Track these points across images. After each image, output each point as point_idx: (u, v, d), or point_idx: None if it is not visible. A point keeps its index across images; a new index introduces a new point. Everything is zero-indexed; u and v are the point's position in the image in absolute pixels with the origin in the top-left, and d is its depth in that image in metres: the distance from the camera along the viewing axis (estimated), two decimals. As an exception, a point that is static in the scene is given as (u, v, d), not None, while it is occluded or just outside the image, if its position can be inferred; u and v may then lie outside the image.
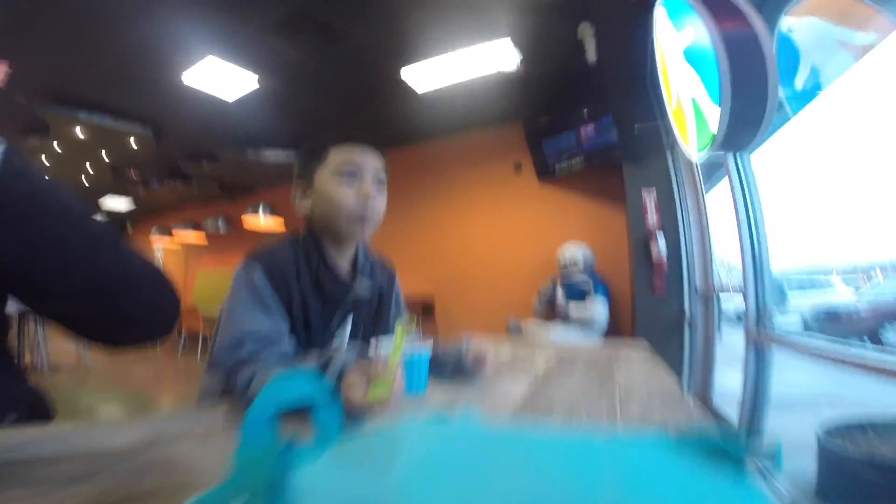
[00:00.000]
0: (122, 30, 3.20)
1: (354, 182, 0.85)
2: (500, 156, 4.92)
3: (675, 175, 3.25)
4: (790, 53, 1.87)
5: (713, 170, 3.12)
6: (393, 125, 4.99)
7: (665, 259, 3.21)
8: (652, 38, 2.22)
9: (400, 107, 4.36)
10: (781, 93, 1.48)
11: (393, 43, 3.34)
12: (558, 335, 3.60)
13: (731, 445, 0.43)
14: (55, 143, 5.28)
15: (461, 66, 3.56)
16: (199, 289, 8.31)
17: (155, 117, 4.81)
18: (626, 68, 3.17)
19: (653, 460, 0.44)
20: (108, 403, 3.56)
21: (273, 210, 6.37)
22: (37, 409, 0.67)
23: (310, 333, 0.82)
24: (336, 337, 0.88)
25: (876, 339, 5.76)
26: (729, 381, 2.84)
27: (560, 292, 3.80)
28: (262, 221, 6.38)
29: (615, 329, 3.82)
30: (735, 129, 1.39)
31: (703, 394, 2.87)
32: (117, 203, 9.72)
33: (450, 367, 0.88)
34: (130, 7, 2.95)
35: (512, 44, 3.25)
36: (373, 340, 0.81)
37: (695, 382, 3.01)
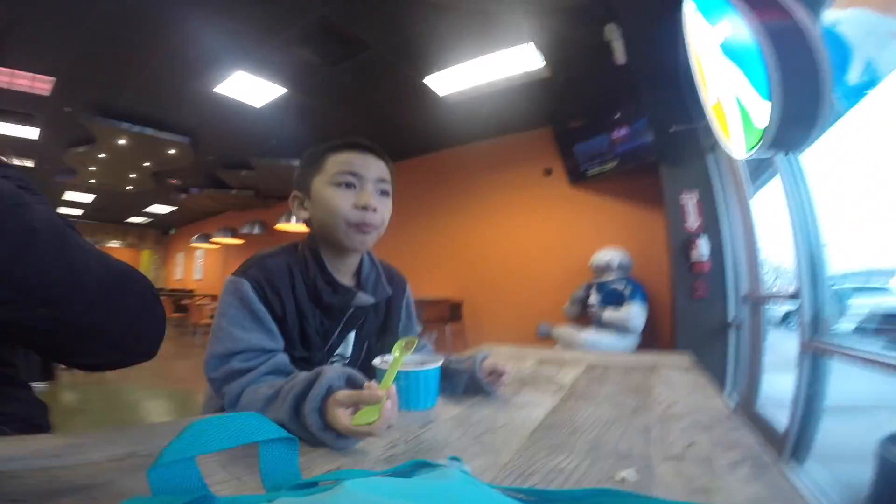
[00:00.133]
0: (159, 45, 3.34)
1: (353, 190, 0.79)
2: (530, 160, 4.82)
3: (717, 177, 3.09)
4: (839, 47, 1.73)
5: (758, 170, 2.94)
6: (420, 132, 4.99)
7: (708, 262, 3.04)
8: (683, 36, 2.10)
9: (426, 114, 4.35)
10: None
11: (417, 51, 3.32)
12: (591, 340, 3.47)
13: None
14: (100, 153, 5.57)
15: (485, 72, 3.51)
16: None
17: (192, 128, 5.02)
18: (657, 68, 3.05)
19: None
20: (151, 400, 3.68)
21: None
22: (31, 423, 0.65)
23: (308, 346, 0.77)
24: (336, 352, 0.83)
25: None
26: (772, 386, 2.65)
27: (594, 296, 3.66)
28: (293, 226, 6.53)
29: (653, 334, 3.65)
30: (787, 127, 1.27)
31: (749, 401, 2.69)
32: (160, 209, 10.23)
33: (463, 382, 0.82)
34: (167, 25, 3.07)
35: (535, 48, 3.18)
36: (377, 359, 0.76)
37: (740, 389, 2.83)
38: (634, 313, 3.41)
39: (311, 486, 0.37)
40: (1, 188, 0.37)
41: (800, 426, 1.99)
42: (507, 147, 5.03)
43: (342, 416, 0.53)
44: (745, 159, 1.83)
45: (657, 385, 0.92)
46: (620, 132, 3.90)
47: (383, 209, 0.81)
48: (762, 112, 1.31)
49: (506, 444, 0.59)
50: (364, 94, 4.05)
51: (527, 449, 0.57)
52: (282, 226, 6.74)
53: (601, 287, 3.71)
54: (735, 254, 3.02)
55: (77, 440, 0.53)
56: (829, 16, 1.66)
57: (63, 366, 0.57)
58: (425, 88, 3.78)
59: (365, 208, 0.77)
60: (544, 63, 3.33)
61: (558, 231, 4.62)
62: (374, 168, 0.81)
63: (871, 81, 1.75)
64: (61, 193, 8.87)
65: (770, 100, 1.27)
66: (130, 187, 7.46)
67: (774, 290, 3.00)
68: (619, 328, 3.46)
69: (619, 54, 2.99)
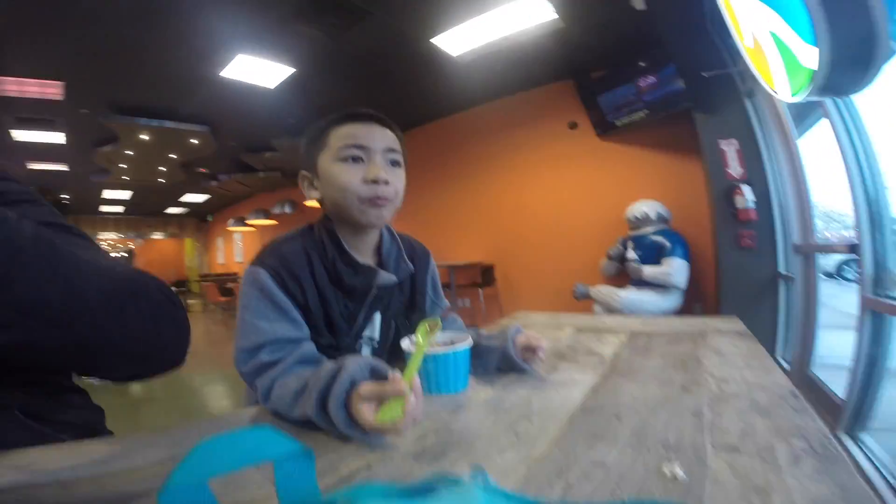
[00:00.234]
0: (159, 38, 3.34)
1: (361, 164, 0.73)
2: (553, 115, 4.62)
3: (757, 122, 2.88)
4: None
5: (801, 113, 2.70)
6: (435, 95, 4.85)
7: (753, 210, 2.85)
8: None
9: (440, 76, 4.20)
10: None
11: (420, 12, 3.17)
12: (631, 299, 3.36)
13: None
14: (126, 150, 5.72)
15: (496, 28, 3.33)
16: None
17: (209, 116, 5.07)
18: (681, 13, 2.86)
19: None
20: (210, 384, 3.87)
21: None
22: (88, 429, 0.66)
23: (334, 332, 0.74)
24: (364, 334, 0.79)
25: None
26: (825, 345, 2.50)
27: (632, 253, 3.52)
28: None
29: (696, 290, 3.51)
30: (838, 72, 1.10)
31: (803, 363, 2.55)
32: (195, 198, 10.55)
33: (495, 359, 0.77)
34: (163, 17, 3.05)
35: None
36: (404, 340, 0.72)
37: (792, 348, 2.68)
38: (677, 268, 3.26)
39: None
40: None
41: (860, 392, 1.85)
42: (528, 103, 4.83)
43: (366, 412, 0.51)
44: (793, 102, 1.64)
45: (708, 356, 0.84)
46: (648, 80, 3.71)
47: (395, 180, 0.75)
48: (807, 54, 1.15)
49: (542, 432, 0.55)
50: (372, 63, 3.95)
51: (564, 438, 0.53)
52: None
53: (639, 241, 3.56)
54: (782, 201, 2.81)
55: (121, 446, 0.54)
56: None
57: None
58: (435, 50, 3.63)
59: (375, 181, 0.72)
60: (557, 14, 3.13)
61: (589, 185, 4.45)
62: (380, 138, 0.75)
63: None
64: (100, 193, 9.28)
65: (815, 44, 1.11)
66: (162, 180, 7.68)
67: (828, 237, 2.79)
68: (662, 285, 3.32)
69: (638, 0, 2.79)
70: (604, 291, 3.52)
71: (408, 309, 0.84)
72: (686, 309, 3.50)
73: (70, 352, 0.44)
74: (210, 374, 4.14)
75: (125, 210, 11.99)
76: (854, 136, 1.89)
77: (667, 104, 3.66)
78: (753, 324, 1.07)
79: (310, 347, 0.69)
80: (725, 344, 0.92)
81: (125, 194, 9.52)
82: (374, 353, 0.81)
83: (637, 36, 3.46)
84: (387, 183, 0.73)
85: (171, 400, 3.49)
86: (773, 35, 1.35)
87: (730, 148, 2.95)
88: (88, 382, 0.65)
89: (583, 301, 3.76)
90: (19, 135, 5.09)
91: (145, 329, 0.49)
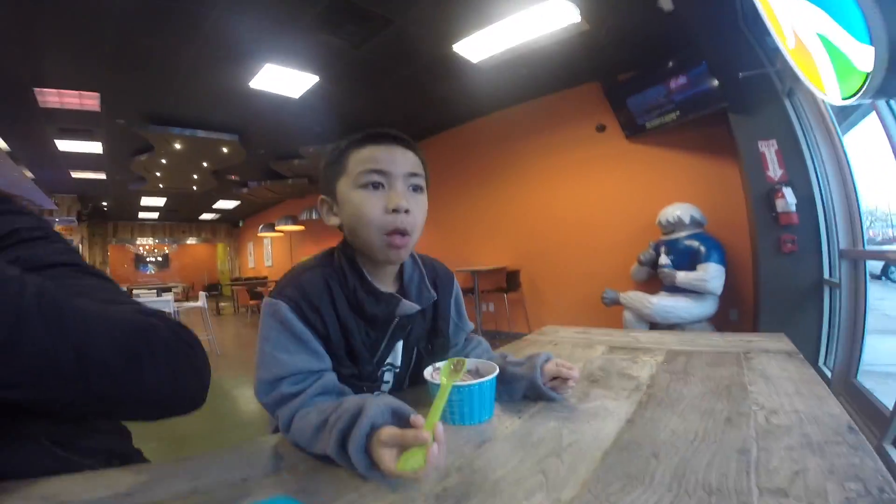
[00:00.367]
0: (187, 49, 3.44)
1: (381, 191, 0.70)
2: (580, 118, 4.53)
3: (798, 122, 2.75)
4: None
5: (843, 112, 2.56)
6: (458, 102, 4.84)
7: (796, 214, 2.71)
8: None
9: (462, 82, 4.19)
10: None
11: (441, 19, 3.16)
12: (664, 305, 3.24)
13: None
14: (161, 159, 5.95)
15: (518, 32, 3.29)
16: None
17: (238, 125, 5.22)
18: (710, 10, 2.77)
19: None
20: (242, 387, 3.94)
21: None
22: (115, 454, 0.66)
23: (356, 361, 0.72)
24: (387, 362, 0.77)
25: None
26: (870, 350, 2.36)
27: (664, 258, 3.40)
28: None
29: (732, 296, 3.36)
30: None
31: (847, 371, 2.40)
32: (226, 205, 10.87)
33: (522, 388, 0.73)
34: (190, 28, 3.15)
35: (567, 0, 2.92)
36: (428, 370, 0.70)
37: (836, 357, 2.53)
38: (713, 273, 3.12)
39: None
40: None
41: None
42: (553, 106, 4.75)
43: (387, 458, 0.49)
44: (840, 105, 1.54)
45: (754, 381, 0.78)
46: (678, 81, 3.59)
47: (417, 209, 0.71)
48: (861, 54, 1.06)
49: (572, 472, 0.51)
50: (395, 71, 3.97)
51: (597, 479, 0.49)
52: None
53: (672, 246, 3.43)
54: (826, 203, 2.66)
55: (144, 476, 0.55)
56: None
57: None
58: (456, 57, 3.62)
59: (396, 211, 0.68)
60: (580, 16, 3.07)
61: (618, 189, 4.34)
62: (402, 162, 0.71)
63: None
64: (139, 200, 9.67)
65: (870, 43, 1.02)
66: (195, 187, 7.93)
67: (871, 236, 2.62)
68: (695, 291, 3.19)
69: (666, 1, 2.74)
70: (634, 297, 3.41)
71: (430, 334, 0.81)
72: (721, 316, 3.36)
73: (88, 403, 0.44)
74: (240, 378, 4.22)
75: (160, 216, 12.46)
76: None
77: (698, 104, 3.53)
78: (795, 331, 1.00)
79: (331, 378, 0.67)
80: (773, 366, 0.85)
81: (160, 201, 9.90)
82: (396, 379, 0.79)
83: (665, 37, 3.37)
84: (407, 212, 0.69)
85: (208, 403, 3.56)
86: (820, 35, 1.27)
87: (769, 149, 2.82)
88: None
89: (612, 307, 3.66)
90: (62, 145, 5.36)
91: (162, 376, 0.48)
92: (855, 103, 1.26)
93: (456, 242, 5.74)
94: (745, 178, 3.09)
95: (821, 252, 2.70)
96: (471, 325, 0.89)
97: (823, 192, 2.69)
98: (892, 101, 1.79)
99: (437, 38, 3.40)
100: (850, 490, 0.43)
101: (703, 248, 3.23)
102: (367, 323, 0.73)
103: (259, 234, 11.19)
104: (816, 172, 2.71)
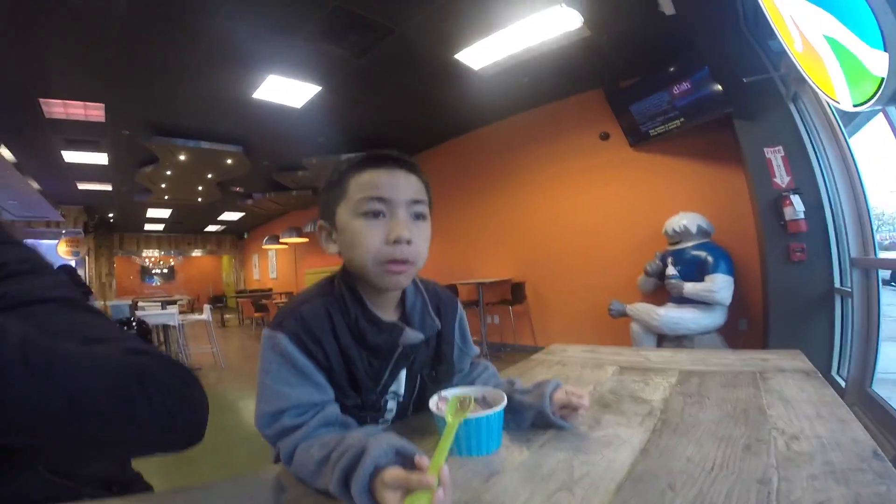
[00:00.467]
0: (189, 61, 3.47)
1: (382, 219, 0.66)
2: (583, 126, 4.52)
3: (804, 128, 2.73)
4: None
5: (846, 116, 2.54)
6: (460, 110, 4.85)
7: (804, 221, 2.67)
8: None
9: (464, 90, 4.20)
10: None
11: (442, 27, 3.17)
12: (672, 317, 3.20)
13: None
14: (166, 170, 5.99)
15: (519, 39, 3.29)
16: (308, 285, 9.20)
17: (242, 137, 5.25)
18: (712, 14, 2.76)
19: None
20: (244, 399, 3.92)
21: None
22: (112, 481, 0.65)
23: (359, 391, 0.70)
24: (390, 390, 0.75)
25: None
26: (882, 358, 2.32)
27: (671, 269, 3.36)
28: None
29: (741, 307, 3.32)
30: None
31: (862, 381, 2.35)
32: (231, 216, 10.92)
33: (530, 417, 0.71)
34: (192, 41, 3.18)
35: (568, 6, 2.92)
36: (433, 400, 0.68)
37: (849, 366, 2.48)
38: (721, 284, 3.08)
39: None
40: None
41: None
42: (556, 115, 4.75)
43: (391, 501, 0.47)
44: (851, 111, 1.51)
45: (772, 403, 0.74)
46: (681, 87, 3.57)
47: (419, 239, 0.69)
48: (875, 60, 1.04)
49: (585, 507, 0.48)
50: (397, 80, 3.99)
51: (612, 517, 0.46)
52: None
53: (679, 256, 3.40)
54: (835, 210, 2.63)
55: None
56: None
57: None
58: (458, 64, 3.62)
59: (397, 241, 0.65)
60: (582, 22, 3.07)
61: (623, 198, 4.31)
62: (404, 188, 0.68)
63: None
64: (144, 212, 9.73)
65: (884, 49, 1.00)
66: (200, 199, 7.98)
67: (886, 243, 2.58)
68: (703, 301, 3.15)
69: (667, 4, 2.72)
70: (641, 309, 3.37)
71: (434, 361, 0.78)
72: (730, 326, 3.31)
73: (81, 446, 0.44)
74: (245, 391, 4.20)
75: (165, 228, 12.53)
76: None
77: (702, 109, 3.52)
78: (806, 341, 0.97)
79: (333, 410, 0.66)
80: (790, 387, 0.82)
81: (166, 213, 9.96)
82: (400, 407, 0.77)
83: (667, 41, 3.37)
84: (409, 243, 0.66)
85: (211, 413, 3.53)
86: (830, 40, 1.24)
87: (775, 155, 2.79)
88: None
89: (619, 319, 3.61)
90: (68, 156, 5.42)
91: (156, 417, 0.47)
92: (867, 110, 1.24)
93: (460, 255, 5.72)
94: (752, 186, 3.06)
95: (831, 260, 2.66)
96: (476, 350, 0.86)
97: (832, 198, 2.66)
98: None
99: (438, 46, 3.41)
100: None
101: (710, 259, 3.20)
102: (370, 352, 0.70)
103: (264, 247, 11.22)
104: (824, 179, 2.68)
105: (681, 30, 3.02)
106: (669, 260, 3.42)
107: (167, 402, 0.47)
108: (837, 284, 2.64)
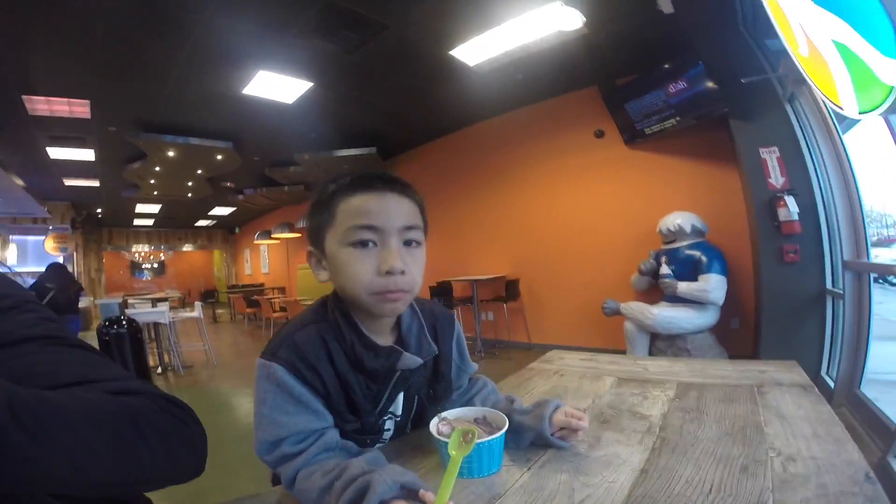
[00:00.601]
0: (178, 56, 3.40)
1: (373, 249, 0.63)
2: (578, 123, 4.51)
3: (800, 129, 2.74)
4: None
5: (839, 116, 2.55)
6: (455, 107, 4.81)
7: (798, 223, 2.69)
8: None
9: (459, 87, 4.16)
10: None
11: (437, 23, 3.13)
12: (665, 316, 3.22)
13: None
14: (154, 166, 5.91)
15: (516, 36, 3.26)
16: (300, 281, 9.13)
17: (232, 132, 5.18)
18: (710, 13, 2.76)
19: None
20: (239, 397, 3.90)
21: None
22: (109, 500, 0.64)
23: (358, 415, 0.68)
24: (389, 411, 0.74)
25: None
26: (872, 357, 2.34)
27: (665, 268, 3.38)
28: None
29: (734, 306, 3.34)
30: None
31: (850, 381, 2.38)
32: (222, 211, 10.80)
33: (529, 438, 0.70)
34: (180, 35, 3.12)
35: (566, 4, 2.90)
36: (433, 422, 0.66)
37: (839, 366, 2.50)
38: (715, 283, 3.10)
39: None
40: None
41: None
42: (551, 112, 4.74)
43: None
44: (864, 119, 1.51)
45: (770, 421, 0.74)
46: (677, 85, 3.56)
47: (414, 267, 0.65)
48: (887, 68, 1.03)
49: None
50: (391, 76, 3.94)
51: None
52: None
53: (673, 255, 3.41)
54: (829, 213, 2.65)
55: None
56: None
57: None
58: (453, 61, 3.58)
59: (390, 273, 0.62)
60: (579, 19, 3.04)
61: (618, 196, 4.31)
62: (396, 214, 0.64)
63: None
64: (133, 207, 9.60)
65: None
66: (190, 194, 7.88)
67: (874, 240, 2.61)
68: (698, 301, 3.17)
69: (666, 3, 2.70)
70: (636, 308, 3.39)
71: (432, 380, 0.77)
72: (722, 325, 3.33)
73: (85, 492, 0.43)
74: (238, 388, 4.17)
75: (155, 223, 12.38)
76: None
77: (697, 106, 3.50)
78: (797, 341, 0.97)
79: (333, 436, 0.64)
80: (787, 403, 0.82)
81: (155, 208, 9.83)
82: (397, 427, 0.76)
83: (664, 40, 3.35)
84: (403, 273, 0.63)
85: (203, 413, 3.49)
86: (840, 45, 1.23)
87: (770, 156, 2.80)
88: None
89: (613, 317, 3.63)
90: (53, 152, 5.31)
91: (157, 457, 0.46)
92: (875, 118, 1.23)
93: (455, 251, 5.70)
94: (747, 186, 3.07)
95: (823, 262, 2.68)
96: (474, 367, 0.84)
97: (826, 200, 2.67)
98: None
99: (433, 42, 3.37)
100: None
101: (704, 258, 3.21)
102: (368, 377, 0.68)
103: (255, 242, 11.12)
104: (819, 180, 2.70)
105: (679, 29, 3.00)
106: (663, 259, 3.43)
107: (166, 442, 0.47)
108: (829, 286, 2.67)
